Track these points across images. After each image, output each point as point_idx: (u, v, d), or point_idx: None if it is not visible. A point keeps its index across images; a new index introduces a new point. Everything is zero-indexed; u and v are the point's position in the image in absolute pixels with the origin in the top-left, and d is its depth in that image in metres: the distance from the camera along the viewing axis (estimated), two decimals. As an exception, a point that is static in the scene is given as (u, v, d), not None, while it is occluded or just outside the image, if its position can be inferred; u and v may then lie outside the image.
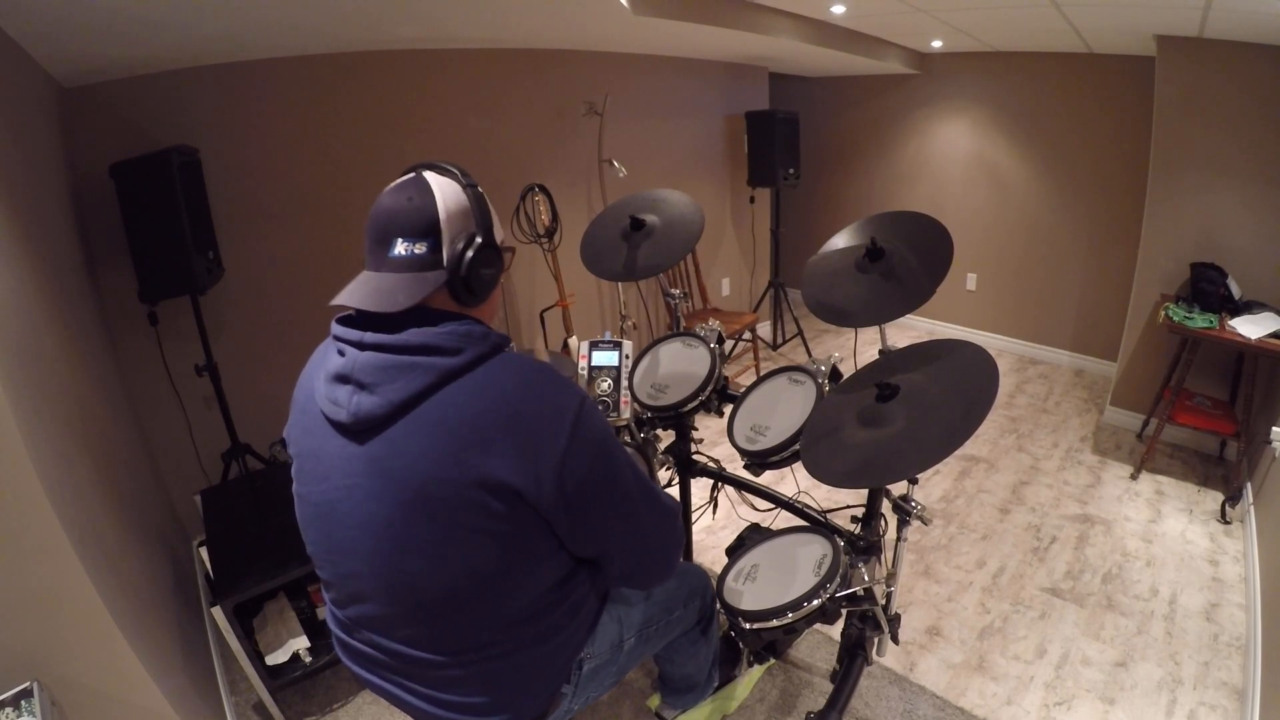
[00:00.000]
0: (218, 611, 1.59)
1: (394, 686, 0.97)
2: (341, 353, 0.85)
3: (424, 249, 0.84)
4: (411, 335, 0.82)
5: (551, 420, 0.83)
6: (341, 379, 0.84)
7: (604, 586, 1.12)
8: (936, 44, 3.71)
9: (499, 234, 0.93)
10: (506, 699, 0.96)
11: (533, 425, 0.82)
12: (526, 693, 0.98)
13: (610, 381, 1.55)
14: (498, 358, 0.85)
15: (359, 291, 0.84)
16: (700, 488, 2.00)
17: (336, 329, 0.87)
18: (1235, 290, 2.62)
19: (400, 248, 0.84)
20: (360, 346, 0.83)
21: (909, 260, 1.43)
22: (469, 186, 0.88)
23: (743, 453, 1.52)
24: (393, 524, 0.83)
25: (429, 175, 0.88)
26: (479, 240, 0.86)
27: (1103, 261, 3.68)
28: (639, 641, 1.19)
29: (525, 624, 0.93)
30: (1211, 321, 2.54)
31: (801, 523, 1.62)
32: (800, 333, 4.27)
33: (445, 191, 0.86)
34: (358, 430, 0.83)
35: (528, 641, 0.94)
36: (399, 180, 0.88)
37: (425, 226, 0.84)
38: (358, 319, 0.86)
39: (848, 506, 1.68)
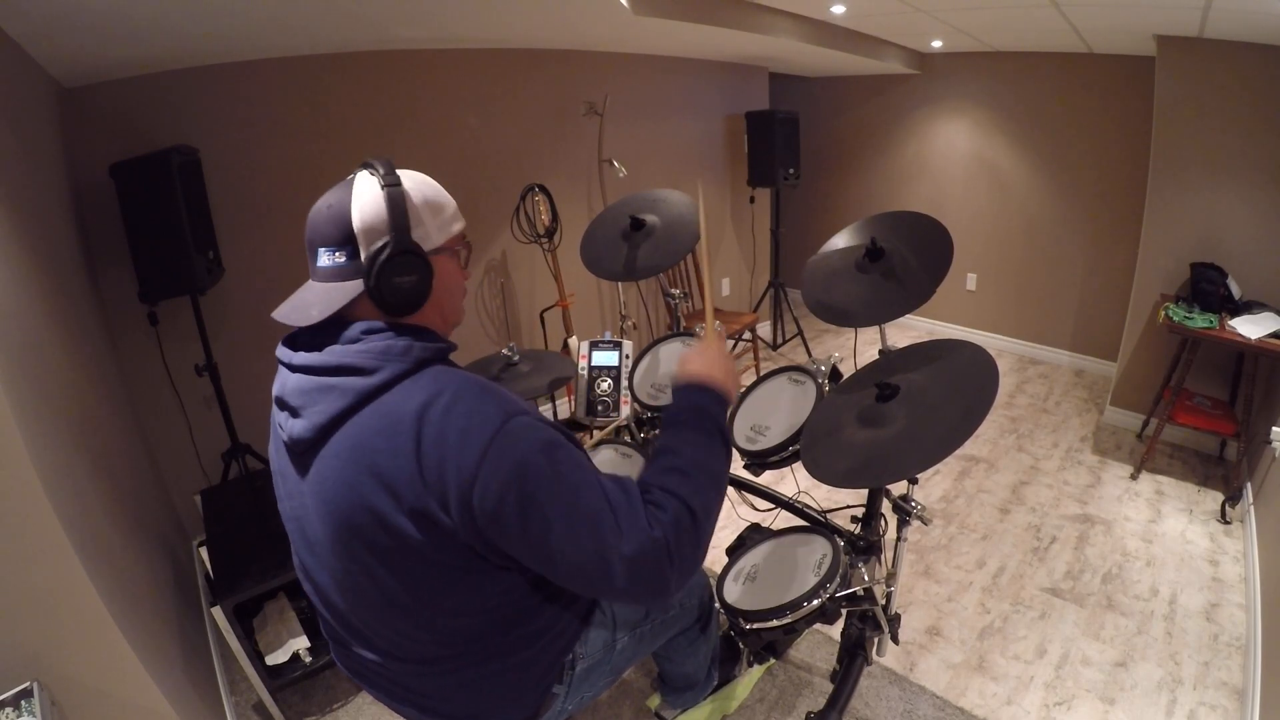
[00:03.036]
0: (218, 611, 1.59)
1: (381, 693, 0.98)
2: (280, 375, 0.86)
3: (343, 257, 0.80)
4: (330, 355, 0.79)
5: (462, 442, 0.75)
6: (279, 402, 0.84)
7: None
8: (936, 44, 3.71)
9: (435, 236, 0.86)
10: (490, 704, 0.96)
11: (441, 448, 0.75)
12: (510, 697, 0.98)
13: (610, 381, 1.55)
14: (418, 375, 0.80)
15: (286, 305, 0.84)
16: (700, 488, 1.99)
17: (279, 350, 0.87)
18: (1235, 290, 2.62)
19: (324, 257, 0.81)
20: (291, 368, 0.83)
21: (909, 260, 1.43)
22: (387, 186, 0.81)
23: (743, 453, 1.52)
24: (332, 546, 0.83)
25: (359, 175, 0.83)
26: (390, 247, 0.79)
27: (1103, 261, 3.68)
28: (633, 640, 1.18)
29: (498, 632, 0.90)
30: (1211, 321, 2.54)
31: (801, 523, 1.62)
32: (800, 333, 4.27)
33: (364, 194, 0.81)
34: (297, 453, 0.83)
35: (505, 649, 0.92)
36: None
37: (341, 234, 0.80)
38: (296, 336, 0.86)
39: (848, 506, 1.68)
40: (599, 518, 0.78)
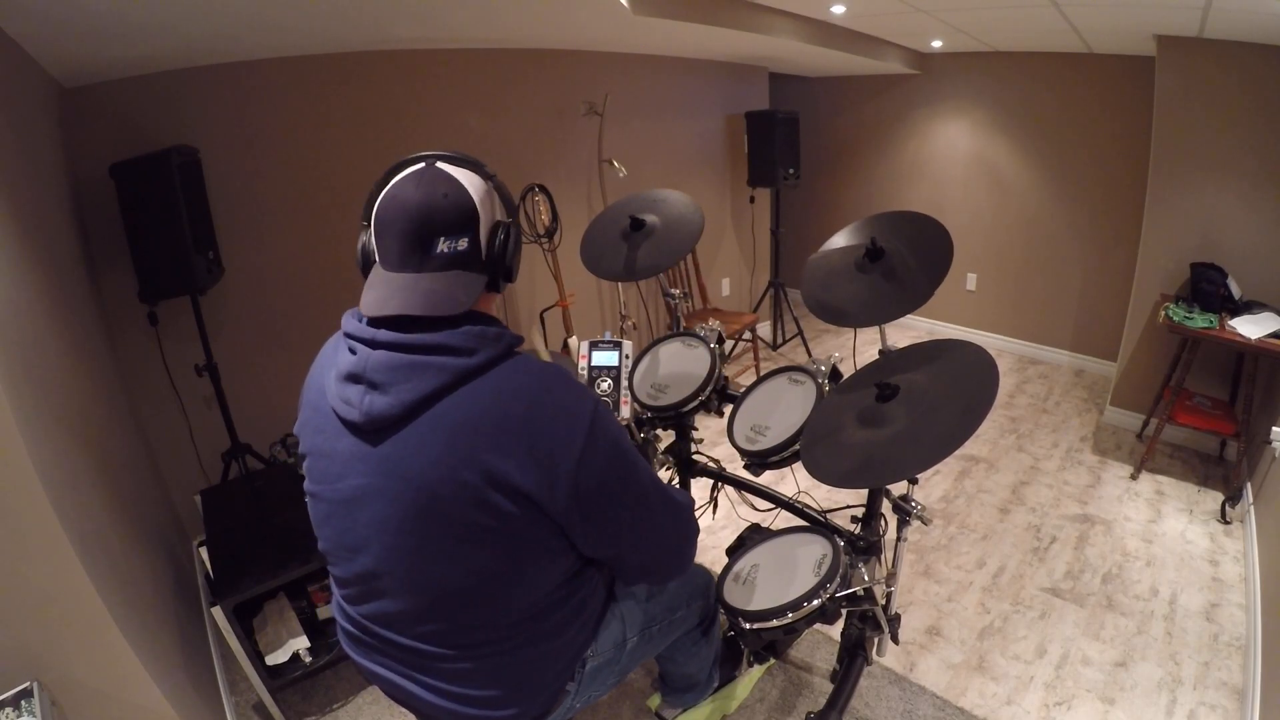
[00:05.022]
0: (218, 611, 1.59)
1: (402, 679, 0.97)
2: (353, 350, 0.84)
3: (465, 244, 0.84)
4: (425, 334, 0.81)
5: (567, 424, 0.83)
6: (353, 378, 0.83)
7: (610, 584, 1.13)
8: (936, 44, 3.71)
9: None
10: (515, 693, 0.97)
11: (548, 429, 0.81)
12: (533, 688, 0.99)
13: (610, 381, 1.55)
14: (511, 360, 0.85)
15: (403, 296, 0.81)
16: (700, 488, 1.99)
17: (348, 325, 0.86)
18: (1235, 290, 2.62)
19: (443, 245, 0.83)
20: (372, 345, 0.82)
21: (908, 260, 1.43)
22: (490, 178, 0.89)
23: (743, 453, 1.52)
24: (406, 524, 0.83)
25: (447, 167, 0.86)
26: (512, 230, 0.89)
27: (1103, 261, 3.68)
28: (641, 641, 1.19)
29: (535, 620, 0.94)
30: (1211, 321, 2.54)
31: (801, 523, 1.62)
32: (800, 333, 4.27)
33: (473, 184, 0.86)
34: (370, 430, 0.82)
35: (537, 637, 0.95)
36: (410, 171, 0.85)
37: (464, 221, 0.84)
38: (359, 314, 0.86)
39: (848, 506, 1.68)
40: (665, 486, 0.99)
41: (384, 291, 0.83)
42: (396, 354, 0.80)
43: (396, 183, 0.84)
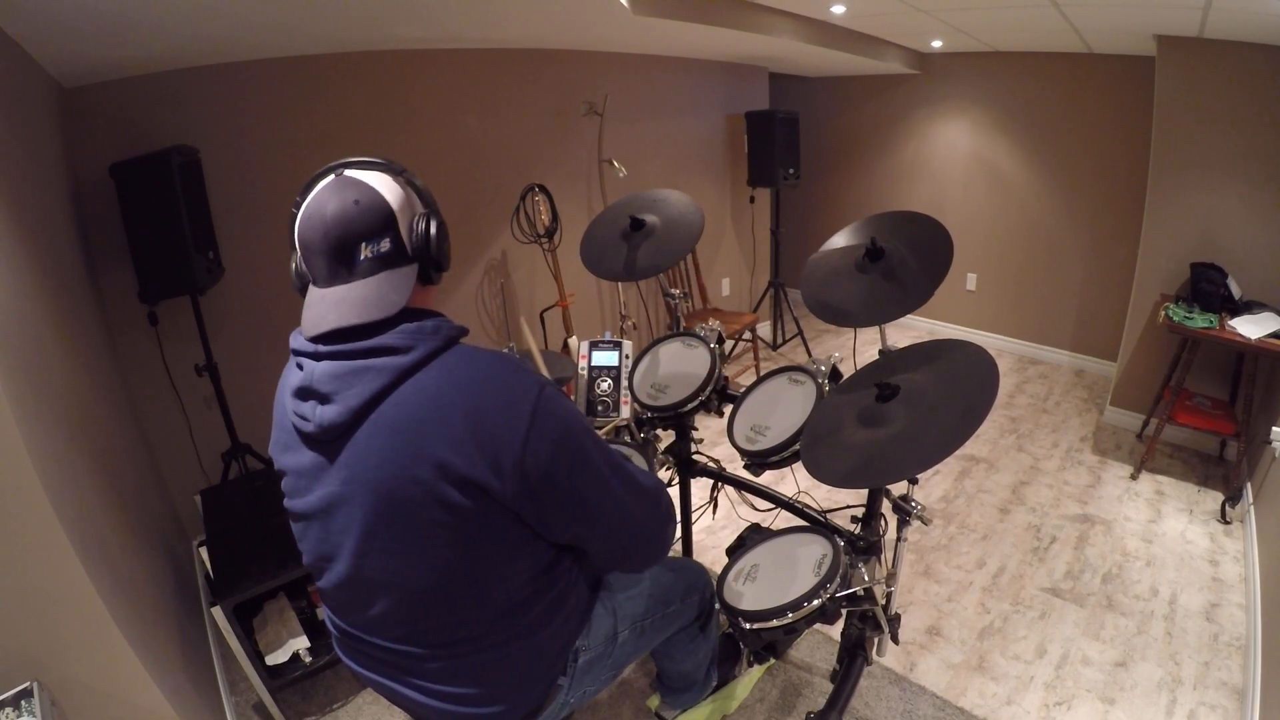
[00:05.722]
0: (218, 611, 1.60)
1: (392, 681, 0.98)
2: (300, 366, 0.85)
3: (388, 245, 0.84)
4: (363, 340, 0.82)
5: (509, 410, 0.82)
6: (303, 393, 0.84)
7: (593, 574, 1.12)
8: (936, 44, 3.71)
9: None
10: (501, 690, 0.97)
11: (490, 416, 0.81)
12: (521, 684, 0.99)
13: (610, 381, 1.55)
14: (451, 351, 0.85)
15: (337, 310, 0.82)
16: (700, 488, 2.00)
17: (295, 343, 0.87)
18: (1235, 290, 2.62)
19: (366, 251, 0.83)
20: (316, 357, 0.83)
21: (909, 260, 1.43)
22: (400, 173, 0.89)
23: (743, 453, 1.52)
24: (372, 528, 0.84)
25: (356, 173, 0.86)
26: (433, 217, 0.87)
27: (1103, 261, 3.68)
28: (634, 635, 1.19)
29: (512, 615, 0.94)
30: (1211, 321, 2.54)
31: (801, 523, 1.62)
32: (800, 333, 4.27)
33: (384, 184, 0.85)
34: (326, 441, 0.84)
35: (517, 632, 0.95)
36: (322, 185, 0.85)
37: (382, 223, 0.83)
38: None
39: (848, 506, 1.68)
40: (627, 463, 0.97)
41: (319, 309, 0.84)
42: (338, 363, 0.82)
43: (311, 200, 0.85)
